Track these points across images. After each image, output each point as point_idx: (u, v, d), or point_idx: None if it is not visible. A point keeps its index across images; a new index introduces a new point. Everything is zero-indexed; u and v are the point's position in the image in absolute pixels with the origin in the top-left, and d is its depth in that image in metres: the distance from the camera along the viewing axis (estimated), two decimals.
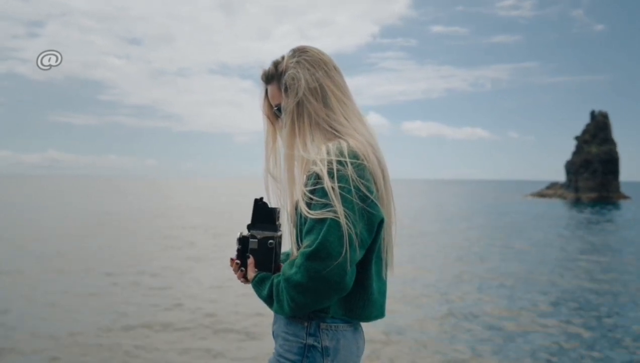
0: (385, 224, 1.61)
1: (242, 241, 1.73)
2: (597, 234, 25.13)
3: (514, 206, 49.22)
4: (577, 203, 58.06)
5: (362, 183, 1.52)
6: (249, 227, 1.72)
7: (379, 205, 1.56)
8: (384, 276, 1.68)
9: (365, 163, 1.56)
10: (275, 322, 1.72)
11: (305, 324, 1.60)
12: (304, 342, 1.59)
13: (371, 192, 1.54)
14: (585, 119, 70.30)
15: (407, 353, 7.24)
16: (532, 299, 10.62)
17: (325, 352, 1.59)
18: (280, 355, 1.63)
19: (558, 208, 48.50)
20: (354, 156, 1.55)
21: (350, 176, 1.51)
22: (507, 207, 47.96)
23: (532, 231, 25.19)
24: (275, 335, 1.71)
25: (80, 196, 60.95)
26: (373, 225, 1.55)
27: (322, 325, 1.60)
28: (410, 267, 13.64)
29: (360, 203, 1.51)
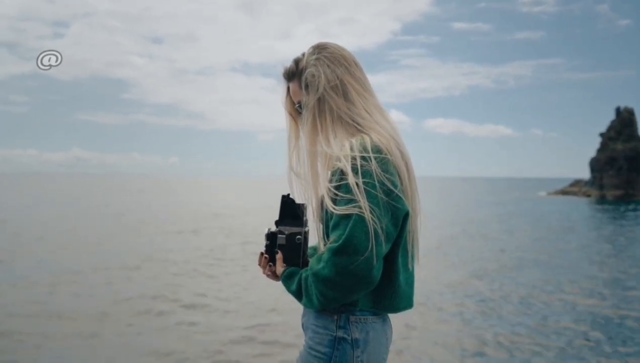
0: (410, 217, 1.61)
1: (270, 237, 1.76)
2: None
3: (543, 205, 48.67)
4: (601, 200, 57.21)
5: (386, 177, 1.53)
6: (277, 223, 1.74)
7: (403, 198, 1.57)
8: (410, 268, 1.69)
9: (388, 156, 1.57)
10: (304, 315, 1.74)
11: (335, 317, 1.62)
12: (334, 334, 1.61)
13: (395, 186, 1.55)
14: (610, 116, 69.23)
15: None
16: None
17: (355, 344, 1.60)
18: (310, 348, 1.64)
19: (585, 206, 47.85)
20: (377, 150, 1.56)
21: (374, 171, 1.52)
22: (535, 206, 47.46)
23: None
24: (304, 328, 1.73)
25: (128, 194, 61.71)
26: (398, 219, 1.56)
27: (352, 318, 1.61)
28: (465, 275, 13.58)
29: (385, 197, 1.51)
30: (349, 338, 1.61)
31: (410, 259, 1.68)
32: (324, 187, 1.61)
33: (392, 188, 1.53)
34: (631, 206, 46.24)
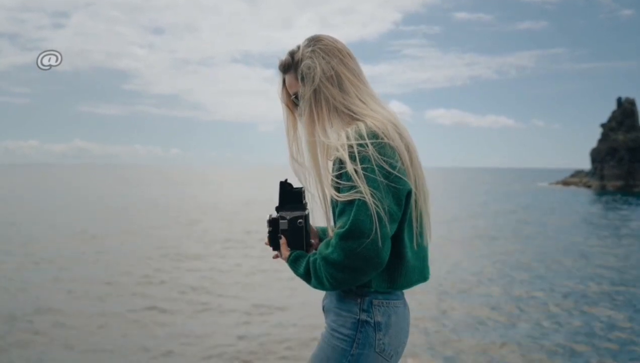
0: (414, 196, 1.66)
1: (273, 222, 1.79)
2: None
3: (540, 196, 48.68)
4: (602, 191, 57.12)
5: (384, 160, 1.57)
6: (278, 209, 1.78)
7: (404, 178, 1.61)
8: (416, 246, 1.71)
9: (385, 140, 1.61)
10: (326, 297, 1.78)
11: (359, 300, 1.66)
12: (358, 317, 1.65)
13: (394, 167, 1.58)
14: (612, 106, 68.75)
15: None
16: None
17: (377, 327, 1.65)
18: (333, 330, 1.68)
19: (584, 197, 47.86)
20: (373, 135, 1.60)
21: (371, 155, 1.56)
22: (533, 197, 47.47)
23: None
24: (326, 310, 1.77)
25: (149, 186, 61.65)
26: (400, 199, 1.60)
27: (375, 302, 1.66)
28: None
29: (384, 180, 1.56)
30: (372, 321, 1.65)
31: (416, 236, 1.70)
32: (326, 176, 1.66)
33: (390, 170, 1.57)
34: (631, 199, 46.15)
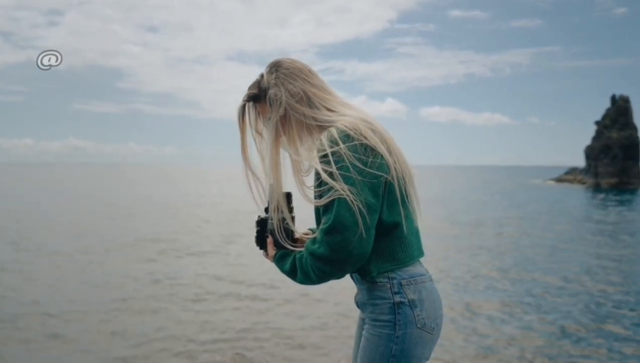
0: (396, 181, 1.72)
1: (261, 223, 1.90)
2: None
3: (531, 193, 48.61)
4: (596, 188, 57.25)
5: (356, 158, 1.65)
6: (266, 210, 1.87)
7: (377, 172, 1.68)
8: (406, 228, 1.76)
9: (356, 139, 1.68)
10: (358, 294, 1.85)
11: (388, 285, 1.73)
12: (392, 300, 1.72)
13: (366, 164, 1.66)
14: (607, 104, 68.75)
15: None
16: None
17: (412, 304, 1.72)
18: (374, 320, 1.76)
19: (578, 194, 47.86)
20: (345, 136, 1.68)
21: (344, 155, 1.65)
22: (523, 194, 47.42)
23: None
24: (361, 305, 1.84)
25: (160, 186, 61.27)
26: (377, 191, 1.67)
27: (403, 282, 1.73)
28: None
29: (359, 176, 1.64)
30: (406, 300, 1.72)
31: (405, 218, 1.76)
32: (304, 191, 1.77)
33: (362, 166, 1.65)
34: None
